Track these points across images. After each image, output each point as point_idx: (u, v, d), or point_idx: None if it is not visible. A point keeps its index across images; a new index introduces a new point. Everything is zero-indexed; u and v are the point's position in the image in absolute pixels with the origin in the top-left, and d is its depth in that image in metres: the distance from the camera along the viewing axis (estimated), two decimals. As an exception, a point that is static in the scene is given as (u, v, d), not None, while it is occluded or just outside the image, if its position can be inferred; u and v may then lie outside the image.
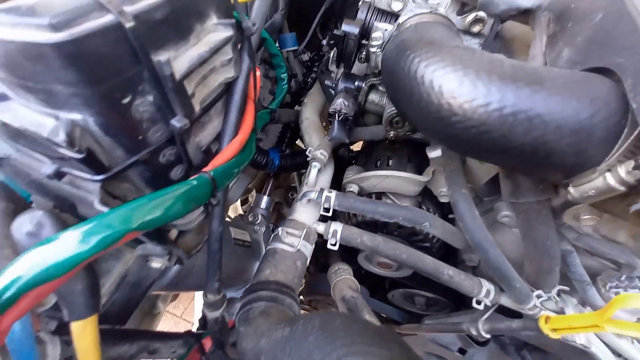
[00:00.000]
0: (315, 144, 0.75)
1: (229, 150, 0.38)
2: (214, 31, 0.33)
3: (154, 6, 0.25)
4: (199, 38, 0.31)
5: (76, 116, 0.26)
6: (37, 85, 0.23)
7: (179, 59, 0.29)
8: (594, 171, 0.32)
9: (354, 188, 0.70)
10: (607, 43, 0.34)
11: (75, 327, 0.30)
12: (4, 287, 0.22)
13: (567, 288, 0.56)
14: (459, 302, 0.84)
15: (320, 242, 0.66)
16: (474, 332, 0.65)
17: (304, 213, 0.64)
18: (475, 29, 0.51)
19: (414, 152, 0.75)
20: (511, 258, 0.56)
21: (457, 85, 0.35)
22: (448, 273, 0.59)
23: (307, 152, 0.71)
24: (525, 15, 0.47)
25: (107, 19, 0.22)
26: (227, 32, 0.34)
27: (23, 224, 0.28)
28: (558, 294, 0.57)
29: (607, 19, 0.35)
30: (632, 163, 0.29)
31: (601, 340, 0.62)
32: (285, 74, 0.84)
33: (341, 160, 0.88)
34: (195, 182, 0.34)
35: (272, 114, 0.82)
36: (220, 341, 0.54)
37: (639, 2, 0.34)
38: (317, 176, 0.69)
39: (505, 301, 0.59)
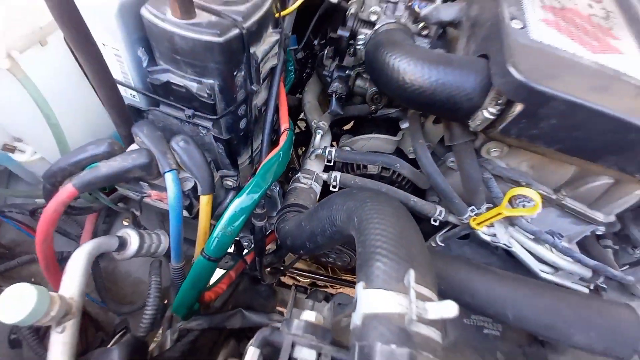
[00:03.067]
0: (317, 118, 1.00)
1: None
2: (271, 36, 0.58)
3: (253, 23, 0.50)
4: (265, 39, 0.56)
5: (210, 81, 0.50)
6: (199, 63, 0.48)
7: (258, 51, 0.54)
8: (479, 111, 0.59)
9: (347, 149, 0.96)
10: (488, 40, 0.61)
11: (203, 199, 0.54)
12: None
13: (491, 205, 0.84)
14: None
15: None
16: (433, 245, 0.93)
17: (313, 164, 0.89)
18: (424, 32, 0.78)
19: (390, 125, 1.02)
20: (458, 191, 0.83)
21: (408, 67, 0.62)
22: (413, 200, 0.86)
23: (312, 124, 0.97)
24: (454, 24, 0.75)
25: (237, 31, 0.47)
26: (276, 37, 0.59)
27: (178, 141, 0.52)
28: (486, 209, 0.85)
29: (491, 26, 0.63)
30: (494, 103, 0.56)
31: (520, 243, 0.91)
32: (292, 67, 1.09)
33: (336, 137, 1.14)
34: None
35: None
36: (261, 248, 0.79)
37: (508, 14, 0.62)
38: (321, 140, 0.95)
39: (451, 217, 0.87)
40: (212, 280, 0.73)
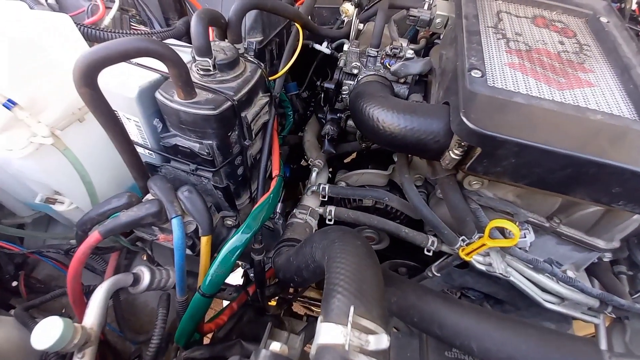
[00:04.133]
0: (314, 156, 1.10)
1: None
2: (261, 99, 0.69)
3: (243, 95, 0.61)
4: (256, 103, 0.68)
5: (209, 142, 0.61)
6: (200, 129, 0.59)
7: (249, 114, 0.65)
8: (446, 151, 0.66)
9: (342, 184, 1.04)
10: (449, 90, 0.69)
11: (203, 239, 0.63)
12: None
13: (482, 234, 0.86)
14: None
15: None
16: (429, 274, 0.94)
17: (309, 200, 0.97)
18: (401, 80, 0.87)
19: (385, 158, 1.09)
20: (449, 221, 0.87)
21: (381, 116, 0.70)
22: (405, 231, 0.90)
23: (309, 162, 1.06)
24: (426, 73, 0.84)
25: (229, 104, 0.58)
26: (266, 99, 0.70)
27: (183, 191, 0.63)
28: (478, 238, 0.87)
29: (452, 77, 0.71)
30: (457, 145, 0.63)
31: (519, 272, 0.91)
32: (290, 112, 1.22)
33: (335, 170, 1.23)
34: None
35: (283, 139, 1.18)
36: (261, 280, 0.85)
37: (467, 65, 0.69)
38: (316, 177, 1.03)
39: (444, 247, 0.89)
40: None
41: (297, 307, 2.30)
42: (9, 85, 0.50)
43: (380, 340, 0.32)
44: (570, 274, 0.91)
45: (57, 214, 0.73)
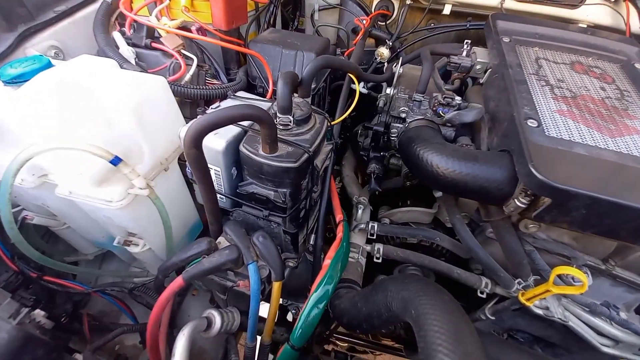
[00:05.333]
0: (357, 193, 1.13)
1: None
2: (326, 147, 0.74)
3: (316, 146, 0.65)
4: (322, 151, 0.72)
5: (284, 190, 0.65)
6: (278, 180, 0.63)
7: (318, 161, 0.69)
8: (510, 199, 0.67)
9: (387, 220, 1.05)
10: (507, 137, 0.72)
11: (275, 284, 0.64)
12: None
13: (538, 277, 0.85)
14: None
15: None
16: (482, 317, 0.92)
17: (357, 237, 0.99)
18: (449, 124, 0.91)
19: (423, 192, 1.11)
20: (500, 261, 0.86)
21: (439, 162, 0.73)
22: (457, 272, 0.89)
23: (353, 198, 1.09)
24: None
25: (306, 156, 0.62)
26: (330, 146, 0.75)
27: (258, 237, 0.65)
28: (534, 281, 0.86)
29: (509, 126, 0.74)
30: (524, 194, 0.64)
31: (576, 316, 0.88)
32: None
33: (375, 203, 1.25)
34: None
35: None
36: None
37: (523, 115, 0.73)
38: (362, 214, 1.05)
39: (499, 289, 0.88)
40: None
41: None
42: (122, 139, 0.55)
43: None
44: (622, 315, 0.88)
45: (128, 254, 0.76)
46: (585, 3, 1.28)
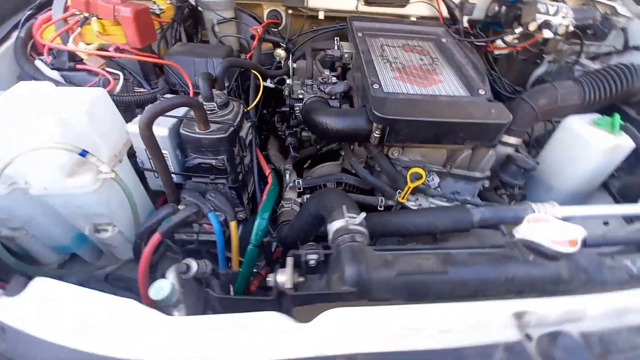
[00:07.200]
0: (282, 164, 1.42)
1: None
2: (246, 124, 1.01)
3: (238, 121, 0.92)
4: (244, 127, 0.99)
5: (222, 157, 0.90)
6: (215, 149, 0.88)
7: (242, 134, 0.95)
8: (371, 134, 1.06)
9: (309, 177, 1.38)
10: (363, 98, 1.11)
11: (232, 224, 0.90)
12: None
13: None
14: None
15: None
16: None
17: (289, 194, 1.28)
18: (333, 97, 1.28)
19: (334, 155, 1.47)
20: (387, 183, 1.27)
21: (327, 120, 1.08)
22: (362, 197, 1.28)
23: (280, 168, 1.38)
24: (348, 90, 1.26)
25: (233, 128, 0.89)
26: (249, 123, 1.02)
27: (210, 194, 0.89)
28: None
29: (363, 89, 1.13)
30: (376, 129, 1.03)
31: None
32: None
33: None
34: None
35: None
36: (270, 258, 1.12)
37: (369, 81, 1.13)
38: (290, 177, 1.36)
39: (390, 202, 1.29)
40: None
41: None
42: (81, 138, 0.73)
43: (361, 215, 0.66)
44: (467, 198, 1.40)
45: (95, 250, 0.90)
46: (410, 2, 1.83)
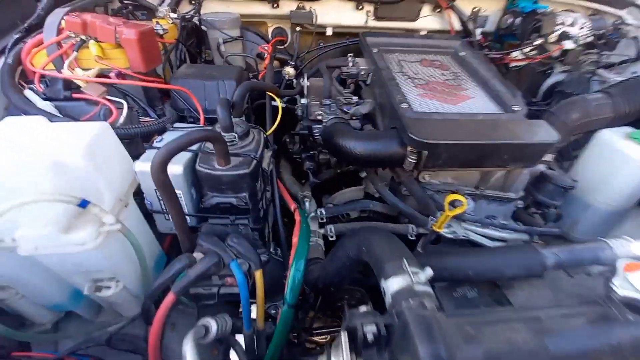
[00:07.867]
0: (300, 190, 1.30)
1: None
2: (267, 153, 0.89)
3: (260, 152, 0.80)
4: (265, 156, 0.87)
5: (243, 194, 0.78)
6: (236, 186, 0.75)
7: (264, 165, 0.84)
8: (405, 159, 0.95)
9: (330, 205, 1.26)
10: (392, 118, 1.01)
11: (257, 273, 0.76)
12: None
13: (443, 211, 1.18)
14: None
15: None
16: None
17: (312, 225, 1.16)
18: (354, 117, 1.18)
19: (352, 176, 1.36)
20: (415, 209, 1.16)
21: (354, 145, 0.97)
22: (391, 226, 1.16)
23: (297, 195, 1.26)
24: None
25: (255, 162, 0.77)
26: (270, 152, 0.91)
27: (232, 239, 0.76)
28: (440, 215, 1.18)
29: (391, 110, 1.03)
30: (411, 153, 0.93)
31: (472, 232, 1.24)
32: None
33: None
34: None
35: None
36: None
37: (397, 101, 1.03)
38: (310, 205, 1.24)
39: (421, 230, 1.18)
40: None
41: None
42: (80, 184, 0.60)
43: (427, 272, 0.54)
44: (502, 221, 1.29)
45: (95, 307, 0.76)
46: (420, 16, 1.77)
